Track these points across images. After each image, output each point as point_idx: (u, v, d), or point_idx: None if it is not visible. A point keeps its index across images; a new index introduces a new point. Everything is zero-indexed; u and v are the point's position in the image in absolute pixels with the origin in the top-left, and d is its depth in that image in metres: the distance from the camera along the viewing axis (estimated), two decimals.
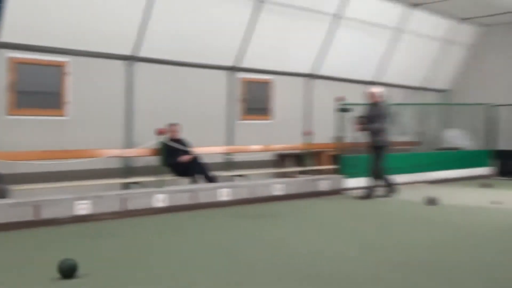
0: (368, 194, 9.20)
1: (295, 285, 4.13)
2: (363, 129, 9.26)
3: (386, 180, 9.34)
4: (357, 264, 4.80)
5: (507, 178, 12.78)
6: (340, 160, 10.17)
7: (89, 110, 8.51)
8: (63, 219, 6.56)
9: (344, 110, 9.96)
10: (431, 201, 8.56)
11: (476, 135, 14.00)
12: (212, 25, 9.47)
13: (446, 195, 9.52)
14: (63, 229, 6.33)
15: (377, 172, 9.20)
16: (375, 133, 9.06)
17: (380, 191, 9.33)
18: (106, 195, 7.24)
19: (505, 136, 13.74)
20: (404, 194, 9.61)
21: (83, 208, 6.84)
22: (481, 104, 13.73)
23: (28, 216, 6.31)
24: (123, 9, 8.40)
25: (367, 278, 4.31)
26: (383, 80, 13.23)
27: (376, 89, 9.55)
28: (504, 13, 12.98)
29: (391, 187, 9.38)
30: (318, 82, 11.70)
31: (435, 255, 5.16)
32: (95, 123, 8.56)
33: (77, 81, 8.30)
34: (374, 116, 9.14)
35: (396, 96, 13.77)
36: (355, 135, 9.84)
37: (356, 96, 11.95)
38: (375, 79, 13.11)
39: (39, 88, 8.06)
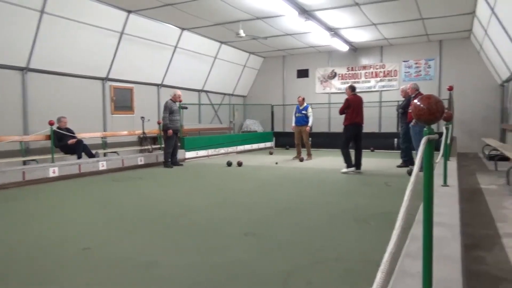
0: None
1: (157, 220, 4.11)
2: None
3: None
4: (195, 203, 5.01)
5: (280, 148, 14.05)
6: (183, 140, 10.30)
7: None
8: None
9: (183, 108, 10.18)
10: (239, 164, 8.88)
11: (263, 123, 15.33)
12: (89, 47, 8.99)
13: (248, 159, 10.19)
14: None
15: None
16: None
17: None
18: (9, 170, 6.55)
19: (278, 123, 15.14)
20: (222, 160, 10.14)
21: None
22: (266, 104, 15.01)
23: None
24: (16, 33, 7.53)
25: (204, 212, 4.51)
26: (207, 88, 13.70)
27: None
28: (275, 50, 14.12)
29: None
30: (164, 89, 11.73)
31: (248, 197, 5.39)
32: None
33: None
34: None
35: (217, 99, 14.47)
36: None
37: (191, 99, 12.33)
38: (202, 88, 13.54)
39: None
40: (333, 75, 14.46)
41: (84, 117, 9.31)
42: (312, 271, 2.66)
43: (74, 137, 8.25)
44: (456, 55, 12.46)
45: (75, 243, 3.37)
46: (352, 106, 7.46)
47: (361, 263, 2.78)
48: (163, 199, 5.25)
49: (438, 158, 5.21)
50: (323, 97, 14.59)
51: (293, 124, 10.22)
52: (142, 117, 9.68)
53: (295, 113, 10.20)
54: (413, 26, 10.84)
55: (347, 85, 7.85)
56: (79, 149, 8.26)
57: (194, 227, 3.82)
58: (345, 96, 7.84)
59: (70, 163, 7.56)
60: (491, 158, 9.28)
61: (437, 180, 4.29)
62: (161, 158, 9.14)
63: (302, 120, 9.99)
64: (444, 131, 4.83)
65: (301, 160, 9.86)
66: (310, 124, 9.94)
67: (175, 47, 11.27)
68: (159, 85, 11.66)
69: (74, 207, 4.85)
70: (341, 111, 7.58)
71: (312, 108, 10.31)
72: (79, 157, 8.23)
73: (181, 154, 9.99)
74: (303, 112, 10.01)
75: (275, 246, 3.21)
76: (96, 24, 8.78)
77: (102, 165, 8.07)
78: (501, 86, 11.76)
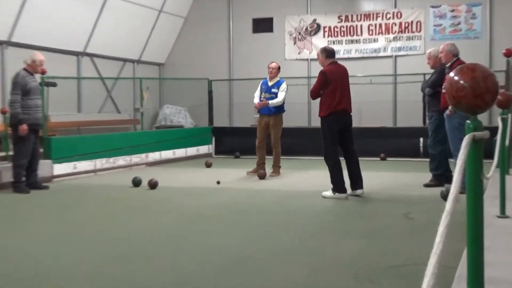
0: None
1: None
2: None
3: None
4: (68, 260, 4.74)
5: (225, 156, 14.13)
6: (48, 142, 10.04)
7: None
8: None
9: (49, 84, 9.90)
10: (152, 185, 8.77)
11: (195, 112, 15.28)
12: None
13: (168, 177, 10.15)
14: None
15: None
16: None
17: None
18: None
19: (220, 112, 15.24)
20: (122, 178, 10.00)
21: None
22: (199, 79, 14.95)
23: None
24: None
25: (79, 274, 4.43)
26: (92, 50, 13.47)
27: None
28: None
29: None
30: (13, 50, 11.35)
31: (168, 243, 5.35)
32: None
33: None
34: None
35: (110, 69, 14.21)
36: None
37: (63, 68, 11.98)
38: (84, 50, 13.28)
39: None
40: (315, 29, 14.72)
41: None
42: None
43: None
44: None
45: None
46: (332, 84, 7.51)
47: None
48: (9, 254, 5.09)
49: (491, 171, 5.44)
50: (299, 66, 14.80)
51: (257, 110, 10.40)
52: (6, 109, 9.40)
53: (261, 93, 10.34)
54: None
55: (320, 48, 8.03)
56: None
57: None
58: (320, 67, 7.91)
59: None
60: None
61: (490, 207, 4.46)
62: (9, 177, 8.96)
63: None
64: (500, 124, 5.05)
65: (262, 176, 9.93)
66: (276, 100, 9.93)
67: None
68: (3, 43, 11.36)
69: None
70: (315, 93, 7.74)
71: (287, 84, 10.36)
72: None
73: (46, 168, 9.81)
74: (274, 90, 10.15)
75: None
76: None
77: None
78: None
